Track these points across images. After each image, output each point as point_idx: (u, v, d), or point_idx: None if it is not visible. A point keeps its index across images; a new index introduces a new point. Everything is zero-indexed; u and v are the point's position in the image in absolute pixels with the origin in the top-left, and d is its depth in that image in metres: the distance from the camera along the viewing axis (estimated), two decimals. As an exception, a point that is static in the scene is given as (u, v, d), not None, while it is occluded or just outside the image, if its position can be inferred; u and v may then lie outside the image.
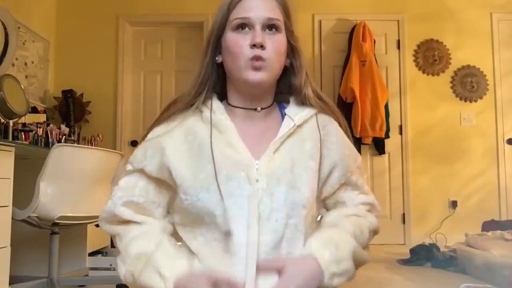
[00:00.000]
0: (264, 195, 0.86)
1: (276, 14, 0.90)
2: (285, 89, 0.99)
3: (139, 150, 0.96)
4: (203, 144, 0.90)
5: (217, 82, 0.97)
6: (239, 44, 0.89)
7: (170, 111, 0.95)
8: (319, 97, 0.97)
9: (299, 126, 0.94)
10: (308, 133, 0.94)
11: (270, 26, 0.90)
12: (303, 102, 0.96)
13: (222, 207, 0.85)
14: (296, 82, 0.96)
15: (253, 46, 0.87)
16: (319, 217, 0.95)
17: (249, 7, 0.89)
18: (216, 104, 0.95)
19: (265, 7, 0.90)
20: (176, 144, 0.92)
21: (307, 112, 0.95)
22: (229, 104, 0.96)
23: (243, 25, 0.89)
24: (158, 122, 0.97)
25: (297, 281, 0.80)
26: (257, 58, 0.88)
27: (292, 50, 0.96)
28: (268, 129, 0.94)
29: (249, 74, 0.88)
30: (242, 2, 0.90)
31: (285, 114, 0.96)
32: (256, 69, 0.88)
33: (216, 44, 0.93)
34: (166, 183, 0.93)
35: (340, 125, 1.00)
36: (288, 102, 0.99)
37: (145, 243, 0.88)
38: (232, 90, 0.95)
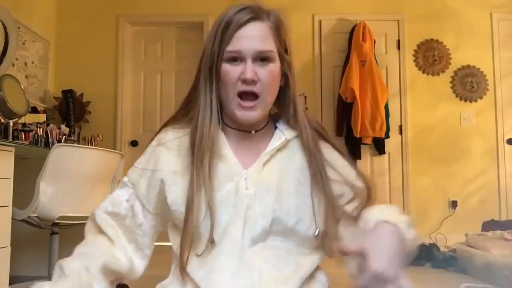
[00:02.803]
0: (252, 201, 0.87)
1: (268, 45, 0.89)
2: (278, 106, 0.99)
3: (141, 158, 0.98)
4: (189, 156, 0.91)
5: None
6: (230, 76, 0.88)
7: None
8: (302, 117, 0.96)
9: (290, 140, 0.94)
10: (297, 147, 0.94)
11: (262, 58, 0.89)
12: (290, 119, 0.96)
13: (209, 215, 0.86)
14: (285, 102, 0.96)
15: (244, 81, 0.87)
16: (317, 231, 0.89)
17: (241, 37, 0.88)
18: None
19: (257, 37, 0.88)
20: (171, 157, 0.93)
21: (302, 125, 0.95)
22: (223, 122, 0.96)
23: (234, 58, 0.88)
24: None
25: (387, 252, 0.74)
26: (248, 94, 0.88)
27: (284, 74, 0.95)
28: (260, 144, 0.94)
29: (238, 114, 0.89)
30: (236, 33, 0.88)
31: (276, 127, 0.96)
32: (247, 109, 0.89)
33: (216, 72, 0.91)
34: (155, 204, 0.93)
35: (327, 140, 0.98)
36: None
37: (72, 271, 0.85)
38: (227, 112, 0.94)
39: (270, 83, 0.90)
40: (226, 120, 0.96)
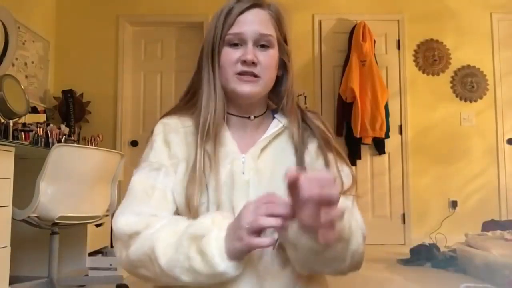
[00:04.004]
0: (251, 187, 0.89)
1: (268, 30, 0.92)
2: (274, 97, 1.01)
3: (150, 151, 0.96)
4: (193, 142, 0.92)
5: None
6: (230, 58, 0.91)
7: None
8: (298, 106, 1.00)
9: (286, 128, 0.96)
10: (292, 135, 0.96)
11: (262, 42, 0.91)
12: (283, 110, 0.98)
13: (210, 200, 0.87)
14: (282, 92, 0.99)
15: (244, 62, 0.90)
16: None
17: (243, 21, 0.91)
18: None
19: (258, 21, 0.91)
20: (179, 142, 0.94)
21: (293, 117, 0.97)
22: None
23: (235, 41, 0.91)
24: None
25: None
26: (248, 73, 0.90)
27: (283, 63, 0.98)
28: (259, 131, 0.97)
29: (238, 87, 0.91)
30: (238, 17, 0.91)
31: (274, 117, 0.99)
32: (245, 82, 0.91)
33: (218, 57, 0.93)
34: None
35: (316, 138, 0.98)
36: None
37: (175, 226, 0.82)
38: (227, 94, 0.96)
39: (269, 67, 0.92)
40: (226, 106, 0.97)
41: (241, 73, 0.90)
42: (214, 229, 0.76)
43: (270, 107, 1.02)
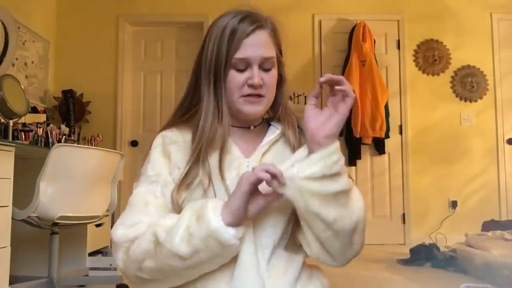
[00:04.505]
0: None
1: (270, 51, 0.96)
2: (270, 107, 1.04)
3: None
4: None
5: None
6: (236, 82, 0.94)
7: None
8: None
9: (283, 134, 1.01)
10: (289, 140, 1.00)
11: (266, 65, 0.95)
12: (279, 118, 1.03)
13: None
14: (278, 102, 1.03)
15: (251, 85, 0.94)
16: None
17: (248, 45, 0.93)
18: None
19: (262, 45, 0.94)
20: (179, 153, 0.97)
21: (289, 123, 1.03)
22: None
23: (241, 65, 0.94)
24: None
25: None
26: (254, 95, 0.95)
27: (279, 75, 1.02)
28: (258, 139, 1.01)
29: (244, 108, 0.96)
30: (244, 41, 0.94)
31: (271, 124, 1.04)
32: (253, 103, 0.96)
33: (222, 75, 0.96)
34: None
35: None
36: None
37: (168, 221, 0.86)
38: (230, 112, 0.99)
39: (272, 86, 0.98)
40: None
41: (247, 95, 0.95)
42: (212, 200, 0.85)
43: (265, 115, 1.07)
